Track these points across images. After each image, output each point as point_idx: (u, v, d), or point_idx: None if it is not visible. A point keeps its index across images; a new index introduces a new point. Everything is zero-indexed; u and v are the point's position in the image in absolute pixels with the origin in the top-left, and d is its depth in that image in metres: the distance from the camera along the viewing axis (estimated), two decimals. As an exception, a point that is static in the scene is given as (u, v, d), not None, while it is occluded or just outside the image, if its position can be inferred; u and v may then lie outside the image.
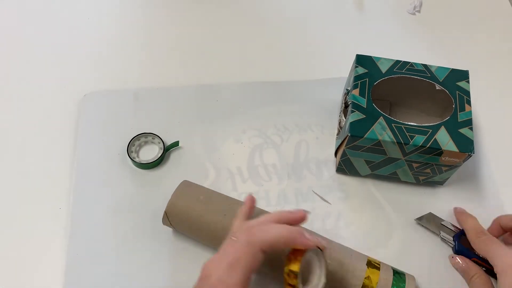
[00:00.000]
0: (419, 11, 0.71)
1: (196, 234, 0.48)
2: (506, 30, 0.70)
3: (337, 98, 0.60)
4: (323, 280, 0.40)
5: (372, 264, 0.45)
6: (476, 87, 0.56)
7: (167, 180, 0.53)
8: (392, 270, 0.45)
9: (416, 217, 0.52)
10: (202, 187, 0.50)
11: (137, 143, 0.56)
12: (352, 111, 0.49)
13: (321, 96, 0.61)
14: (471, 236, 0.47)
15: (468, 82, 0.52)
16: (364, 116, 0.49)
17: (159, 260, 0.49)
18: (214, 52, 0.66)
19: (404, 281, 0.44)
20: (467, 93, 0.51)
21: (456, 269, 0.48)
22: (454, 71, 0.52)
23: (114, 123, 0.58)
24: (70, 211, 0.52)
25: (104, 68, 0.63)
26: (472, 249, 0.47)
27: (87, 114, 0.59)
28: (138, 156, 0.56)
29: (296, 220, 0.41)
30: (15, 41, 0.66)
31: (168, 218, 0.47)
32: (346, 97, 0.54)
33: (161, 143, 0.56)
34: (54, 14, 0.69)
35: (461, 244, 0.49)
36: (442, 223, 0.51)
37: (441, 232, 0.51)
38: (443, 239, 0.50)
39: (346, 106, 0.53)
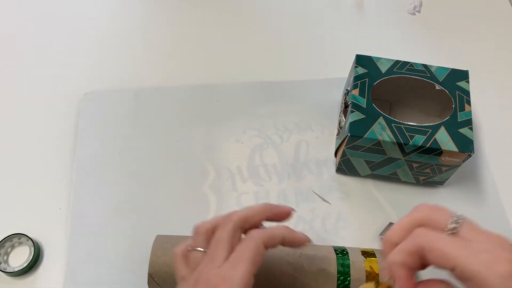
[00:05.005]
0: (419, 11, 0.71)
1: None
2: (506, 30, 0.70)
3: (337, 98, 0.60)
4: None
5: (367, 253, 0.44)
6: (476, 87, 0.56)
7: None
8: None
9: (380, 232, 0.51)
10: (178, 237, 0.45)
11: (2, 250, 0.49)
12: (352, 111, 0.49)
13: (321, 96, 0.61)
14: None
15: (468, 82, 0.52)
16: (364, 116, 0.49)
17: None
18: (214, 52, 0.66)
19: None
20: (467, 93, 0.51)
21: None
22: (454, 71, 0.53)
23: (114, 123, 0.58)
24: (70, 211, 0.52)
25: (104, 67, 0.63)
26: None
27: (87, 114, 0.59)
28: (7, 264, 0.48)
29: (283, 215, 0.38)
30: (15, 41, 0.66)
31: (154, 279, 0.43)
32: (346, 97, 0.54)
33: (30, 241, 0.48)
34: (54, 14, 0.68)
35: None
36: None
37: None
38: None
39: (346, 106, 0.53)
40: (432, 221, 0.31)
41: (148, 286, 0.43)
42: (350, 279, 0.42)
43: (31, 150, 0.56)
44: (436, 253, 0.29)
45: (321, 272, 0.42)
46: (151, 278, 0.43)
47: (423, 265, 0.30)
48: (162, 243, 0.44)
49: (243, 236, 0.36)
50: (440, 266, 0.29)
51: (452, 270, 0.28)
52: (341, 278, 0.42)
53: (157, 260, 0.42)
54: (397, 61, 0.53)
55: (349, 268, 0.42)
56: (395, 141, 0.47)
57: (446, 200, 0.54)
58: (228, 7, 0.71)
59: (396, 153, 0.49)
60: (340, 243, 0.50)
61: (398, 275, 0.30)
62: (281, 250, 0.42)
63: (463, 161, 0.48)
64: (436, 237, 0.29)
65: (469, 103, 0.50)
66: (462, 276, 0.28)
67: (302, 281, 0.41)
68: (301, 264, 0.42)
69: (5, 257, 0.49)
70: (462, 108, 0.50)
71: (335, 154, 0.55)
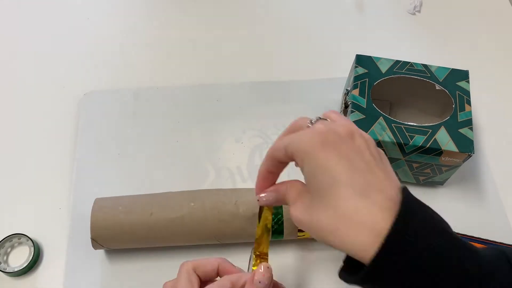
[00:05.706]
0: (419, 11, 0.71)
1: (130, 243, 0.47)
2: (506, 30, 0.70)
3: (337, 98, 0.60)
4: None
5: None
6: (476, 87, 0.56)
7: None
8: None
9: None
10: (117, 198, 0.48)
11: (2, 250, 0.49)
12: (352, 111, 0.49)
13: (321, 96, 0.61)
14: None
15: (468, 82, 0.52)
16: (364, 116, 0.49)
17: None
18: (214, 52, 0.66)
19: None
20: (467, 93, 0.51)
21: (268, 203, 0.37)
22: (454, 71, 0.53)
23: (114, 123, 0.58)
24: (70, 211, 0.52)
25: (104, 67, 0.63)
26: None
27: (87, 114, 0.59)
28: (7, 264, 0.49)
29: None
30: (15, 41, 0.66)
31: (97, 241, 0.46)
32: (346, 97, 0.54)
33: (30, 241, 0.49)
34: (53, 14, 0.69)
35: None
36: None
37: None
38: None
39: (346, 106, 0.53)
40: (297, 126, 0.36)
41: (93, 247, 0.47)
42: (282, 219, 0.46)
43: (31, 150, 0.56)
44: (290, 146, 0.32)
45: (255, 215, 0.44)
46: (94, 241, 0.46)
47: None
48: (101, 207, 0.47)
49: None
50: (291, 157, 0.33)
51: (293, 158, 0.32)
52: (274, 219, 0.46)
53: (98, 223, 0.46)
54: (397, 61, 0.53)
55: (281, 208, 0.46)
56: (395, 141, 0.47)
57: (446, 200, 0.54)
58: (228, 7, 0.71)
59: (396, 153, 0.49)
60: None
61: (263, 166, 0.36)
62: (217, 201, 0.47)
63: (463, 161, 0.48)
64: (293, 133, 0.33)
65: (469, 103, 0.50)
66: (291, 153, 0.32)
67: (239, 225, 0.46)
68: (237, 210, 0.46)
69: (5, 257, 0.49)
70: (462, 108, 0.50)
71: (335, 154, 0.55)
